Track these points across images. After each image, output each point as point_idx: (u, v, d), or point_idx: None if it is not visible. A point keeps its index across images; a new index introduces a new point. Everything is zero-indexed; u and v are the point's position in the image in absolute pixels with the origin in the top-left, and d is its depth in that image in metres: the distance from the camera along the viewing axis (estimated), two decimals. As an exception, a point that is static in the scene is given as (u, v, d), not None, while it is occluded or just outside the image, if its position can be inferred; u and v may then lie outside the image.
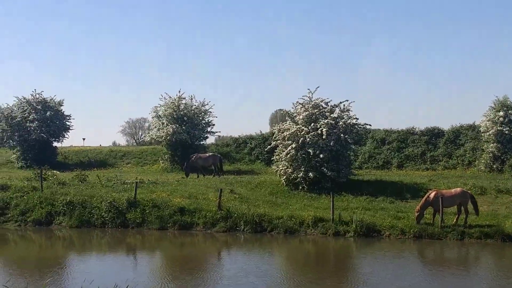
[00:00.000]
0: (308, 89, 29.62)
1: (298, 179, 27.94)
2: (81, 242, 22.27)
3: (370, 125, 30.56)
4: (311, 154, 27.43)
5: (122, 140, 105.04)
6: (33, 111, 43.07)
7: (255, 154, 42.58)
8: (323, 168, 27.52)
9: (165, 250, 21.13)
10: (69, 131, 45.63)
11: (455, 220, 21.91)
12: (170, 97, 41.25)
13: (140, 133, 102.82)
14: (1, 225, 24.69)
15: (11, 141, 44.45)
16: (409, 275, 16.20)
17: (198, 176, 33.68)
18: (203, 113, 41.65)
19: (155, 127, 41.16)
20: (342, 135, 27.83)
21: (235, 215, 23.24)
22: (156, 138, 41.44)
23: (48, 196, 25.74)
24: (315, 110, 28.80)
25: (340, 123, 28.24)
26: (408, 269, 17.14)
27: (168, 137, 39.51)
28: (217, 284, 14.62)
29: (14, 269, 17.02)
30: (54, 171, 33.11)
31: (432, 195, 21.88)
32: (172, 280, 15.41)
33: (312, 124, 28.16)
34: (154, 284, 14.98)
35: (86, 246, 21.59)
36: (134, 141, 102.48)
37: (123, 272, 16.21)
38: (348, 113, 29.10)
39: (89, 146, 56.02)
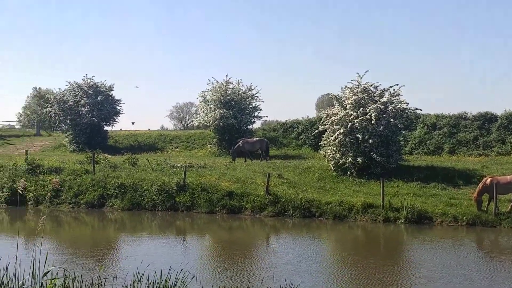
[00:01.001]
0: (357, 73, 29.30)
1: (347, 164, 27.66)
2: (132, 224, 22.71)
3: (421, 110, 30.07)
4: (360, 139, 27.10)
5: (169, 125, 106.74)
6: (84, 96, 44.05)
7: (302, 139, 42.30)
8: (372, 153, 27.14)
9: (216, 233, 21.21)
10: (119, 115, 46.58)
11: (510, 207, 21.28)
12: (217, 81, 41.40)
13: (188, 118, 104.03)
14: (55, 207, 25.48)
15: (63, 125, 45.67)
16: (470, 263, 15.76)
17: (245, 161, 33.79)
18: (250, 98, 41.58)
19: (203, 112, 41.38)
20: (391, 120, 27.30)
21: (283, 200, 23.24)
22: (204, 122, 41.73)
23: (100, 179, 26.38)
24: (364, 95, 28.35)
25: (390, 107, 27.70)
26: (467, 256, 16.69)
27: (215, 122, 39.73)
28: (278, 269, 14.35)
29: (70, 250, 17.42)
30: (106, 155, 33.81)
31: (488, 181, 21.32)
32: (232, 264, 15.27)
33: (361, 108, 27.73)
34: (214, 268, 14.92)
35: (138, 229, 21.94)
36: (181, 125, 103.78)
37: (177, 256, 16.29)
38: (398, 98, 28.50)
39: (138, 130, 56.95)
